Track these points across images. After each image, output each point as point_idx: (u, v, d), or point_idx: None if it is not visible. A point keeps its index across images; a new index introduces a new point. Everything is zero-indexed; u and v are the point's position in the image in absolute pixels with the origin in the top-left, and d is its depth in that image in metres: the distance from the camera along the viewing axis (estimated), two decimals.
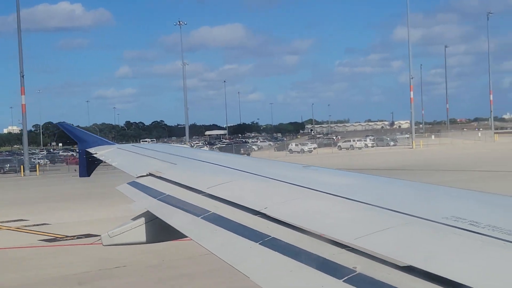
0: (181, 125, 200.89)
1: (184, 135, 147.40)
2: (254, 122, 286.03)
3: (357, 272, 2.67)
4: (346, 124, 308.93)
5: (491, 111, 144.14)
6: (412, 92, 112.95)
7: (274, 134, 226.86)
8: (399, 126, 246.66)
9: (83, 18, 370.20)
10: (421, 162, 62.79)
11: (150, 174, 6.70)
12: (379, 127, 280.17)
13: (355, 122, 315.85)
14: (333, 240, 3.08)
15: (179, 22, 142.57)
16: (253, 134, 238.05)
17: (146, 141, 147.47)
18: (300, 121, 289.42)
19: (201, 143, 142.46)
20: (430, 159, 69.46)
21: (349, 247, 2.94)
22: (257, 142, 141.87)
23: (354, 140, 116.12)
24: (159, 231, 5.42)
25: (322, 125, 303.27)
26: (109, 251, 15.74)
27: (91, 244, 21.78)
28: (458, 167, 51.95)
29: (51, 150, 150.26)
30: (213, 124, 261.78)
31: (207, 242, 3.85)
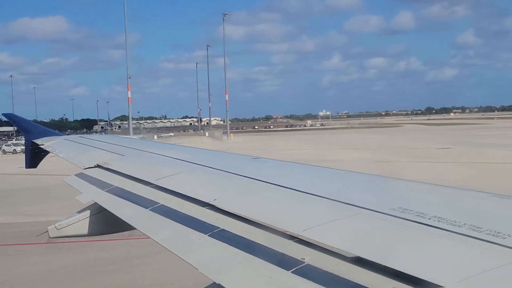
0: None
1: None
2: (63, 118, 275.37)
3: (305, 263, 2.68)
4: (156, 121, 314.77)
5: (227, 111, 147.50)
6: (129, 92, 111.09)
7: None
8: (206, 123, 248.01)
9: None
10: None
11: (98, 166, 6.60)
12: (188, 123, 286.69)
13: (165, 119, 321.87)
14: (281, 232, 3.09)
15: None
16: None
17: None
18: (109, 118, 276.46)
19: None
20: None
21: (298, 238, 2.94)
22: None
23: None
24: (107, 222, 5.34)
25: (132, 122, 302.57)
26: None
27: (35, 243, 19.79)
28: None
29: None
30: None
31: (156, 234, 3.80)
